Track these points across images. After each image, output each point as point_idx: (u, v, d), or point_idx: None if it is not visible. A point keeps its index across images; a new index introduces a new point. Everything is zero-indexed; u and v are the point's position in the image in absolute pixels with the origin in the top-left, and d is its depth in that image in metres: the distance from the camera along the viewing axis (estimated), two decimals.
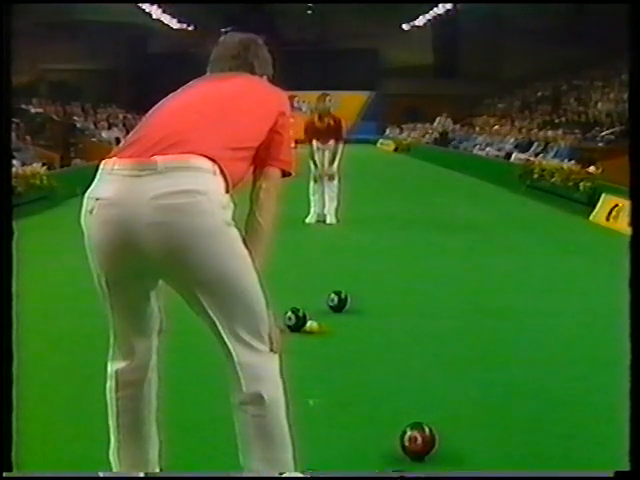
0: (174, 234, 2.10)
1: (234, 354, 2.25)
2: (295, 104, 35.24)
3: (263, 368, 2.27)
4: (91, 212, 2.17)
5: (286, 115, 2.40)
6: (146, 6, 29.17)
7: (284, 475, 2.33)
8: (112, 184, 2.14)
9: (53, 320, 5.00)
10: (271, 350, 2.30)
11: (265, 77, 2.55)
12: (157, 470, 2.52)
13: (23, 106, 19.06)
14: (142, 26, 32.10)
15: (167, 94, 2.46)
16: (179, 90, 2.46)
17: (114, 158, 2.19)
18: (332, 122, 9.40)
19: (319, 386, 3.72)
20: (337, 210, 9.42)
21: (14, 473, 2.21)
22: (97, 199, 2.16)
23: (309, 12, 36.29)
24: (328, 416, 3.36)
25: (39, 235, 7.95)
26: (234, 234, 2.22)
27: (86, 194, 2.22)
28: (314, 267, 6.69)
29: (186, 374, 3.85)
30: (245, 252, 2.24)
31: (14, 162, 11.51)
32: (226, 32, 2.67)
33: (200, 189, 2.11)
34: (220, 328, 2.24)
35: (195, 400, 3.53)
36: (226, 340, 2.25)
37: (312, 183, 9.52)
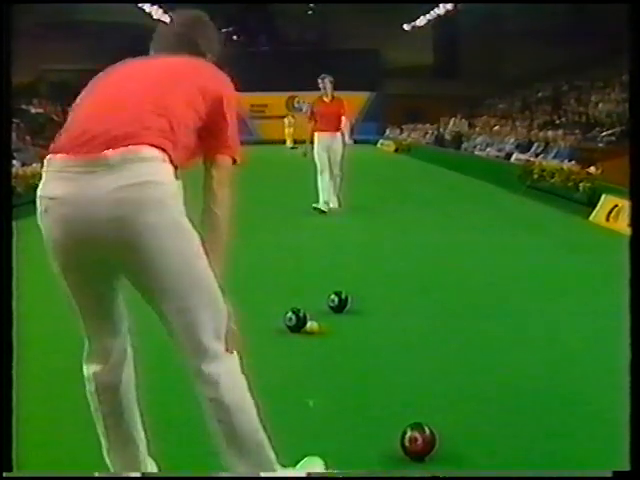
0: (133, 227, 2.06)
1: (193, 361, 2.24)
2: (295, 104, 35.29)
3: (223, 375, 2.26)
4: (46, 211, 2.13)
5: (229, 99, 2.32)
6: (146, 6, 29.19)
7: (282, 474, 2.33)
8: (65, 182, 2.09)
9: (53, 320, 4.99)
10: (227, 350, 2.29)
11: (210, 56, 2.47)
12: (149, 469, 2.51)
13: (23, 106, 19.09)
14: (142, 26, 32.11)
15: None
16: (114, 69, 2.39)
17: (61, 155, 2.12)
18: (335, 100, 10.39)
19: (319, 386, 3.73)
20: (339, 195, 10.22)
21: (14, 473, 2.21)
22: (51, 198, 2.12)
23: (309, 12, 36.32)
24: (328, 416, 3.36)
25: (39, 235, 7.94)
26: (187, 223, 2.18)
27: (38, 193, 2.17)
28: (315, 268, 6.69)
29: (184, 373, 3.85)
30: (199, 241, 2.21)
31: (14, 162, 11.51)
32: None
33: (153, 179, 2.09)
34: (179, 330, 2.22)
35: (193, 399, 3.52)
36: (186, 345, 2.24)
37: (319, 177, 10.32)
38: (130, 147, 2.07)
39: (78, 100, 2.32)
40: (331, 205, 10.25)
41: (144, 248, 2.08)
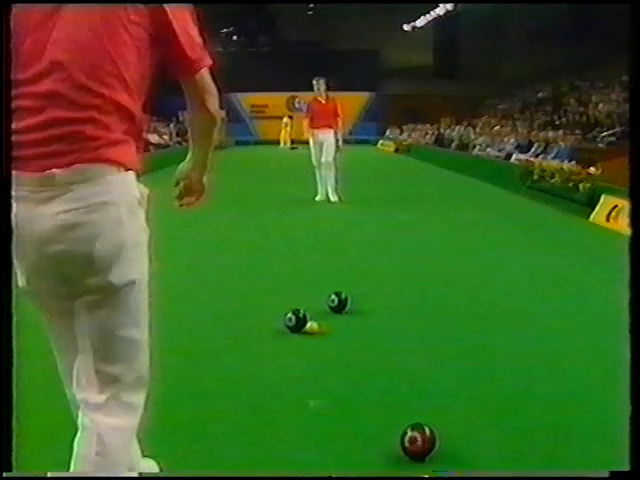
0: (84, 253, 1.90)
1: (90, 417, 2.01)
2: (296, 105, 35.30)
3: (116, 430, 2.01)
4: (15, 227, 1.95)
5: (165, 11, 1.94)
6: None
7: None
8: (19, 201, 1.89)
9: None
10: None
11: None
12: (147, 470, 2.48)
13: None
14: None
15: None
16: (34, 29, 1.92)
17: (15, 171, 1.88)
18: (329, 100, 11.58)
19: (319, 387, 3.73)
20: (337, 189, 11.34)
21: (14, 473, 2.21)
22: (14, 215, 1.92)
23: (310, 13, 36.36)
24: (328, 416, 3.36)
25: None
26: (144, 240, 2.01)
27: None
28: (315, 268, 6.69)
29: (184, 374, 3.86)
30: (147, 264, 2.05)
31: None
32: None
33: (107, 199, 1.90)
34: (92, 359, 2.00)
35: (193, 399, 3.53)
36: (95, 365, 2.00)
37: (316, 172, 11.56)
38: (78, 165, 1.87)
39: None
40: (331, 199, 11.29)
41: (95, 270, 1.93)
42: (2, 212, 1.80)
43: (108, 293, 1.94)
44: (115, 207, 1.90)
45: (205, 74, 2.06)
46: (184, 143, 27.06)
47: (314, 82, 11.56)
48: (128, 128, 1.95)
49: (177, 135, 28.07)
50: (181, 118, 36.15)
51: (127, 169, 1.94)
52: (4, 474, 2.11)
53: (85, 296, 1.95)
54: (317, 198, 11.42)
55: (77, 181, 1.87)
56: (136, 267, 1.98)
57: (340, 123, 11.54)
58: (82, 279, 1.93)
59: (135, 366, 2.02)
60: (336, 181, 11.38)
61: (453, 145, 23.78)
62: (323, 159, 11.34)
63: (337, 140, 11.40)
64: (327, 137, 11.40)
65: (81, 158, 1.88)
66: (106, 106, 1.90)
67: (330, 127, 11.38)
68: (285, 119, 33.09)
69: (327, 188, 11.37)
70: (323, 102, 11.51)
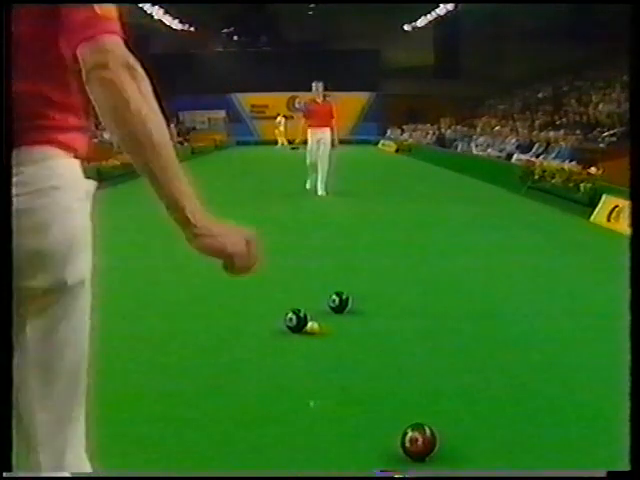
0: (34, 245, 1.66)
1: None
2: (297, 105, 35.34)
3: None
4: None
5: None
6: (147, 7, 29.26)
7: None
8: None
9: None
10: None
11: None
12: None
13: None
14: (143, 27, 32.19)
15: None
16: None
17: None
18: (325, 102, 12.74)
19: (320, 387, 3.73)
20: (326, 184, 12.40)
21: (14, 473, 2.21)
22: None
23: (310, 13, 36.39)
24: (329, 417, 3.37)
25: None
26: (90, 237, 1.78)
27: None
28: (315, 268, 6.68)
29: (183, 374, 3.86)
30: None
31: None
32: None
33: (56, 184, 1.69)
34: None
35: (192, 399, 3.53)
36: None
37: (308, 164, 12.62)
38: (24, 147, 1.68)
39: None
40: (320, 192, 12.30)
41: (49, 265, 1.69)
42: (2, 213, 1.80)
43: (57, 296, 1.71)
44: (64, 193, 1.69)
45: (121, 48, 1.65)
46: (185, 143, 27.09)
47: (313, 85, 12.68)
48: (76, 118, 1.75)
49: (178, 135, 28.06)
50: (181, 118, 36.09)
51: (76, 156, 1.77)
52: (4, 474, 2.10)
53: (29, 302, 1.68)
54: (307, 187, 12.58)
55: (23, 163, 1.66)
56: (86, 265, 1.76)
57: (334, 124, 12.56)
58: (29, 280, 1.66)
59: (79, 382, 1.82)
60: (327, 175, 12.39)
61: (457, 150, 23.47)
62: (320, 154, 12.34)
63: (333, 140, 12.45)
64: (324, 136, 12.41)
65: (28, 139, 1.68)
66: (47, 92, 1.69)
67: (325, 126, 12.42)
68: (279, 118, 33.15)
69: (317, 182, 12.36)
70: (319, 103, 12.60)
